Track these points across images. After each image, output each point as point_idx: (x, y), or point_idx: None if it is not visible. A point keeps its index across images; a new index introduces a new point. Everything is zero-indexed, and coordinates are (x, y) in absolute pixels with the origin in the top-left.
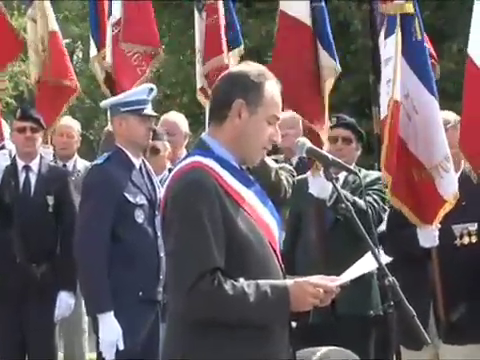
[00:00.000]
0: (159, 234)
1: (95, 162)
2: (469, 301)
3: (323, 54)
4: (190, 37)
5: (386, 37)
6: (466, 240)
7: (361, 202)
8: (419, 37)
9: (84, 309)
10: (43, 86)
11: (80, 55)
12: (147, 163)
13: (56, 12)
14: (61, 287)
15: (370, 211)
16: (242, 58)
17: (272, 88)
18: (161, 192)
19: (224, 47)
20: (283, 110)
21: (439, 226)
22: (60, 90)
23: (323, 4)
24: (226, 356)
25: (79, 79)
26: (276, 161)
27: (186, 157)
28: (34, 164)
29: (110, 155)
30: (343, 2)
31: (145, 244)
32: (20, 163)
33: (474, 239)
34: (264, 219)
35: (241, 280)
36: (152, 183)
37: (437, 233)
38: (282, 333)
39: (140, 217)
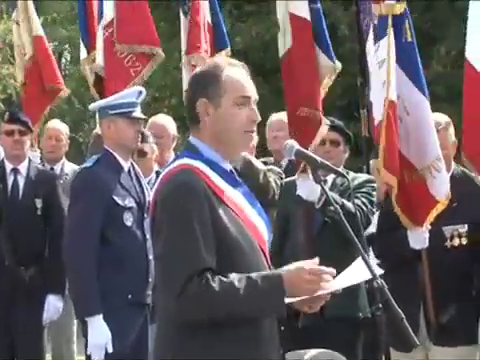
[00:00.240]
0: (148, 237)
1: (84, 165)
2: (459, 303)
3: (321, 55)
4: (177, 41)
5: (378, 39)
6: (456, 242)
7: (349, 205)
8: (409, 38)
9: (72, 312)
10: (29, 88)
11: (68, 57)
12: (136, 166)
13: (44, 14)
14: (49, 290)
15: (358, 214)
16: None
17: (231, 74)
18: (150, 194)
19: (204, 46)
20: (298, 108)
21: (429, 227)
22: (45, 91)
23: (319, 5)
24: (215, 357)
25: (68, 82)
26: (265, 163)
27: (175, 160)
28: (22, 167)
29: (99, 158)
30: (331, 6)
31: (134, 247)
32: (8, 166)
33: (464, 241)
34: (252, 220)
35: (232, 275)
36: (141, 186)
37: (427, 235)
38: (271, 335)
39: (129, 220)
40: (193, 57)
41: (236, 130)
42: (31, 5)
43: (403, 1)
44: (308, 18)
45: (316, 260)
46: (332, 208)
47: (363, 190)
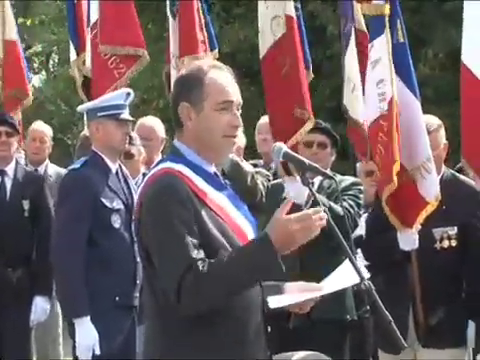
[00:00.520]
0: (136, 239)
1: (72, 167)
2: (448, 305)
3: None
4: (165, 43)
5: (372, 40)
6: (446, 244)
7: (337, 207)
8: (401, 39)
9: (59, 313)
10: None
11: (56, 59)
12: (124, 168)
13: (32, 16)
14: (37, 292)
15: (346, 216)
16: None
17: (214, 77)
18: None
19: (200, 48)
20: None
21: (419, 228)
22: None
23: (300, 13)
24: (202, 357)
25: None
26: (255, 165)
27: (158, 163)
28: (10, 169)
29: (87, 160)
30: (320, 7)
31: (122, 249)
32: None
33: (454, 243)
34: (237, 223)
35: (221, 254)
36: (129, 188)
37: (417, 236)
38: (258, 336)
39: (117, 222)
40: (186, 59)
41: (215, 136)
42: (8, 9)
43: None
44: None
45: (288, 202)
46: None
47: (350, 193)
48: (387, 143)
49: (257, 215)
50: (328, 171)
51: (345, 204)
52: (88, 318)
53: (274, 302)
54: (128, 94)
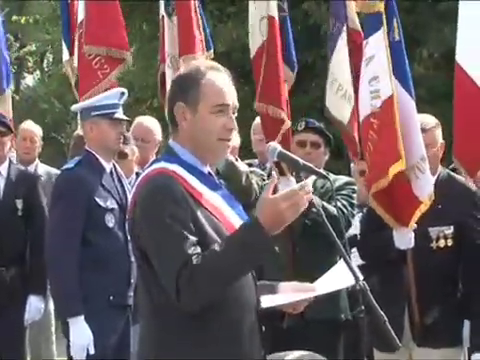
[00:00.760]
0: (130, 238)
1: (66, 166)
2: (443, 304)
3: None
4: (158, 43)
5: (367, 37)
6: (442, 243)
7: (331, 207)
8: (397, 37)
9: (52, 313)
10: None
11: (50, 58)
12: (118, 167)
13: (26, 15)
14: (31, 291)
15: (340, 216)
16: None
17: (211, 79)
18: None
19: (197, 47)
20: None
21: (415, 226)
22: None
23: (287, 14)
24: (198, 355)
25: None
26: (250, 165)
27: (153, 163)
28: (3, 168)
29: (81, 159)
30: (314, 6)
31: (116, 248)
32: None
33: (450, 242)
34: (232, 222)
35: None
36: (123, 187)
37: (413, 235)
38: (252, 335)
39: (111, 221)
40: (185, 58)
41: (210, 138)
42: None
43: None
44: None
45: (273, 179)
46: (315, 210)
47: (343, 192)
48: (377, 141)
49: (252, 214)
50: (322, 171)
51: (339, 204)
52: (82, 317)
53: (267, 301)
54: (122, 93)
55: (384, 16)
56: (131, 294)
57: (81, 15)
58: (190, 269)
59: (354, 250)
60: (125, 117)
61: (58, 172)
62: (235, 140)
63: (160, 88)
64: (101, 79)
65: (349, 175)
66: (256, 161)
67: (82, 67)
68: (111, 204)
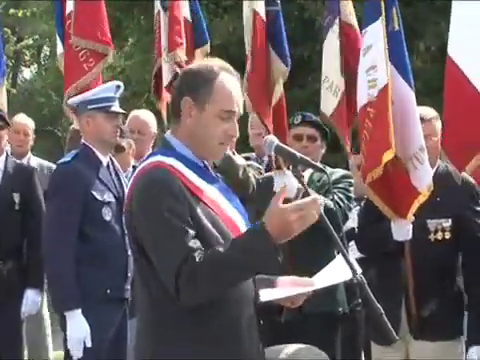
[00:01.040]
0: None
1: (62, 160)
2: (441, 297)
3: (275, 58)
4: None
5: (366, 26)
6: (440, 235)
7: (328, 200)
8: (396, 27)
9: (48, 305)
10: None
11: (47, 52)
12: (115, 160)
13: (24, 8)
14: (28, 284)
15: (337, 209)
16: (209, 56)
17: (224, 83)
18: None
19: (183, 41)
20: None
21: (413, 218)
22: None
23: (279, 8)
24: (196, 349)
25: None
26: (248, 158)
27: (149, 156)
28: (0, 161)
29: (77, 152)
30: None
31: (113, 242)
32: None
33: (447, 235)
34: (229, 215)
35: (217, 246)
36: (120, 180)
37: (411, 227)
38: (250, 330)
39: (108, 215)
40: (175, 54)
41: (211, 140)
42: None
43: None
44: (264, 19)
45: (283, 189)
46: None
47: (340, 186)
48: (373, 130)
49: (249, 207)
50: (318, 164)
51: (336, 197)
52: (79, 311)
53: (266, 295)
54: (118, 87)
55: (383, 5)
56: (128, 288)
57: (70, 6)
58: (191, 266)
59: (352, 244)
60: (121, 110)
61: (51, 165)
62: None
63: (153, 82)
64: (86, 72)
65: (346, 168)
66: (253, 155)
67: (68, 58)
68: (108, 198)
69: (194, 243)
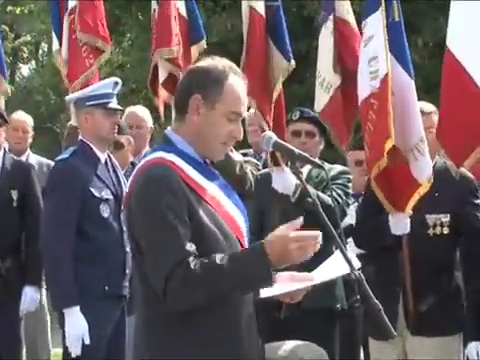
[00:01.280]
0: (125, 229)
1: (60, 157)
2: (438, 293)
3: (276, 54)
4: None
5: (366, 17)
6: (438, 230)
7: (326, 197)
8: (396, 18)
9: (47, 303)
10: None
11: (45, 49)
12: (113, 157)
13: (21, 5)
14: (26, 281)
15: (335, 205)
16: (205, 52)
17: (234, 85)
18: (126, 186)
19: (174, 39)
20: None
21: (411, 213)
22: None
23: (279, 3)
24: (195, 345)
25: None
26: (245, 155)
27: (149, 153)
28: None
29: (75, 149)
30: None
31: (111, 239)
32: None
33: (446, 230)
34: (229, 212)
35: (213, 255)
36: (118, 177)
37: (409, 220)
38: (250, 329)
39: (105, 212)
40: (163, 51)
41: (216, 140)
42: None
43: None
44: (263, 15)
45: (298, 221)
46: (310, 200)
47: (338, 182)
48: (376, 121)
49: (247, 203)
50: (317, 160)
51: (334, 193)
52: (78, 308)
53: (265, 291)
54: (116, 83)
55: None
56: (126, 284)
57: (73, 1)
58: (185, 271)
59: (350, 240)
60: (119, 107)
61: (49, 162)
62: None
63: (148, 78)
64: (88, 68)
65: (344, 164)
66: (251, 151)
67: (72, 53)
68: (106, 194)
69: (190, 246)
